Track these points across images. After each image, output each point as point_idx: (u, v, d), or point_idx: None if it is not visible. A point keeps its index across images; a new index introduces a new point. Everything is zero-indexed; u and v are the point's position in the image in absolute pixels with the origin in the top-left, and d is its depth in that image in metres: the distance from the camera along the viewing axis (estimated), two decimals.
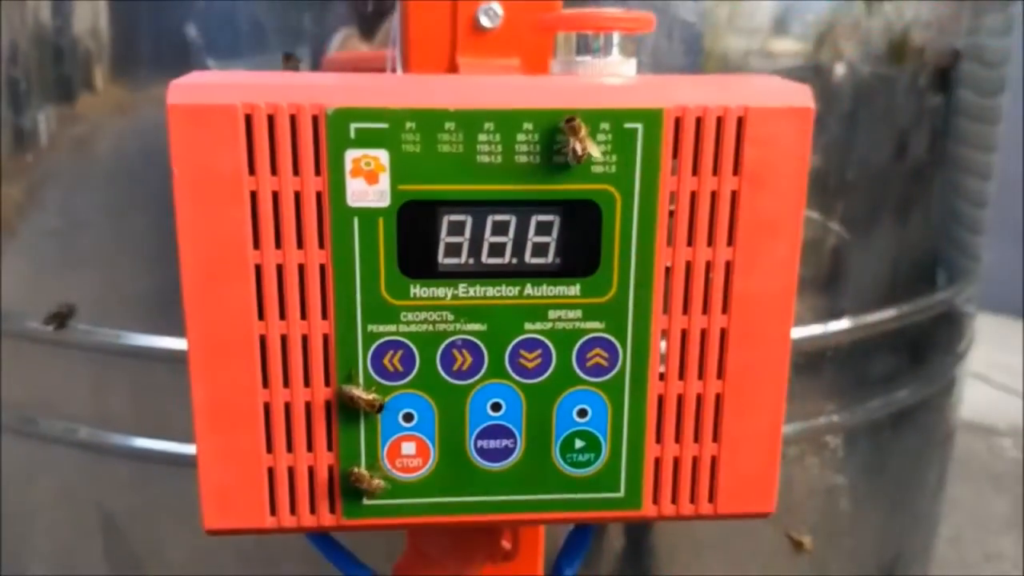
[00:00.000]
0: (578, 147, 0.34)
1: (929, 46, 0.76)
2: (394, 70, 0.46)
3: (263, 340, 0.35)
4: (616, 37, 0.38)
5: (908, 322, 0.87)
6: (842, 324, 0.79)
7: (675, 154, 0.35)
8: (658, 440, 0.38)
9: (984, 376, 3.87)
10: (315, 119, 0.33)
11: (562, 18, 0.39)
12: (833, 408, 0.82)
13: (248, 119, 0.33)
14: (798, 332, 0.74)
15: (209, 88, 0.34)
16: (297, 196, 0.34)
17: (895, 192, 0.80)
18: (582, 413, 0.38)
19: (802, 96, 0.36)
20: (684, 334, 0.37)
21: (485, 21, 0.45)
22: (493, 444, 0.37)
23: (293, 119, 0.33)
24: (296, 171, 0.34)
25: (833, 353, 0.79)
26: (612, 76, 0.39)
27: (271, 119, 0.33)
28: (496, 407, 0.37)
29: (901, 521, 0.95)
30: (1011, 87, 1.04)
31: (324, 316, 0.35)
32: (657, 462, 0.38)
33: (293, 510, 0.37)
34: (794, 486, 0.80)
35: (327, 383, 0.36)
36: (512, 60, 0.46)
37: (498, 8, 0.45)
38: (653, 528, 0.77)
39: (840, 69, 0.72)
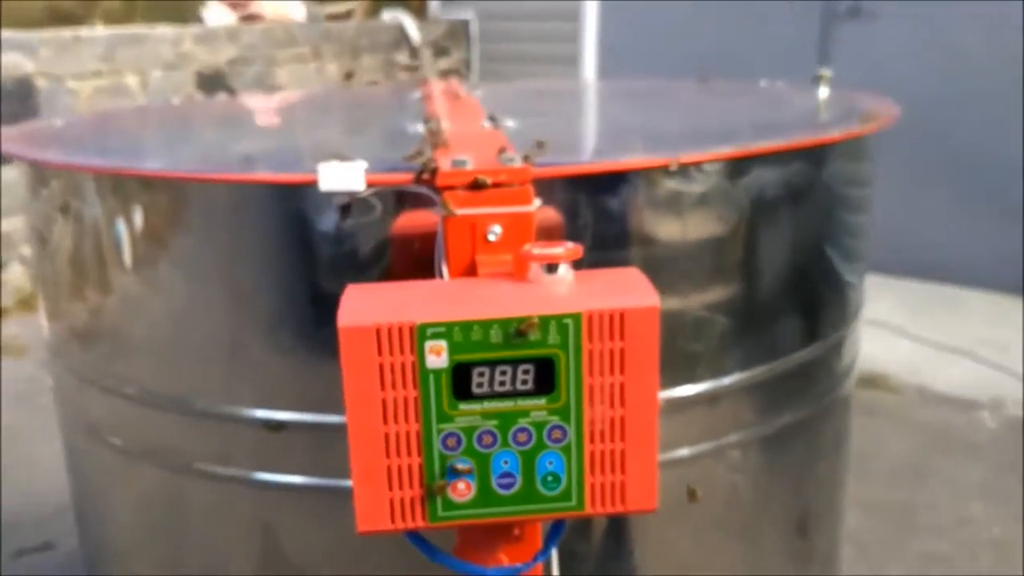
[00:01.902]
0: (531, 333, 0.70)
1: None
2: (441, 274, 0.83)
3: (387, 435, 0.72)
4: (562, 266, 0.75)
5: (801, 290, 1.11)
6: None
7: (590, 335, 0.72)
8: (591, 473, 0.75)
9: (970, 352, 4.21)
10: (412, 328, 0.70)
11: (530, 255, 0.75)
12: (736, 367, 1.06)
13: (377, 331, 0.70)
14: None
15: (358, 314, 0.71)
16: (403, 365, 0.71)
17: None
18: (551, 463, 0.74)
19: (650, 296, 0.72)
20: (600, 420, 0.74)
21: (491, 236, 0.82)
22: (505, 481, 0.74)
23: (400, 330, 0.70)
24: (403, 352, 0.71)
25: (735, 318, 1.05)
26: (561, 285, 0.75)
27: (390, 330, 0.70)
28: (505, 463, 0.74)
29: (806, 480, 1.25)
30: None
31: (417, 421, 0.72)
32: (591, 486, 0.75)
33: (403, 519, 0.74)
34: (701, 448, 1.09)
35: (419, 454, 0.73)
36: (506, 256, 0.82)
37: (498, 229, 0.82)
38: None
39: None
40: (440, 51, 5.91)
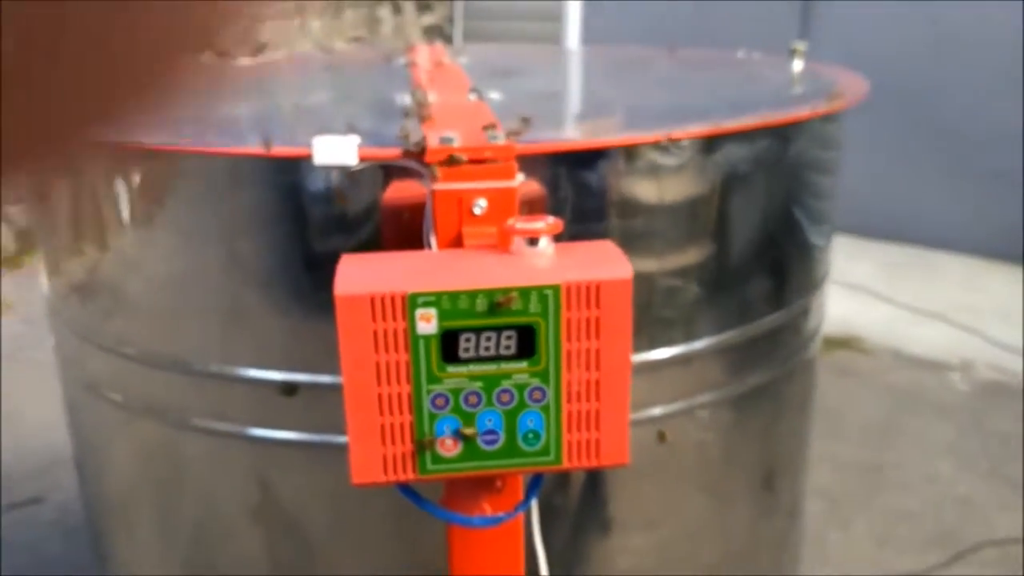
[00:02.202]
0: (512, 304, 0.76)
1: None
2: (429, 245, 0.88)
3: (379, 395, 0.78)
4: (543, 239, 0.81)
5: (770, 258, 1.18)
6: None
7: (568, 305, 0.78)
8: (568, 431, 0.81)
9: (943, 315, 4.31)
10: (404, 297, 0.76)
11: (513, 229, 0.81)
12: (708, 331, 1.13)
13: (371, 300, 0.76)
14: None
15: (354, 283, 0.76)
16: (395, 331, 0.77)
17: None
18: (531, 422, 0.81)
19: (624, 269, 0.78)
20: (577, 382, 0.80)
21: (477, 210, 0.88)
22: (489, 438, 0.81)
23: (392, 299, 0.76)
24: (396, 319, 0.77)
25: (707, 285, 1.11)
26: (542, 257, 0.81)
27: (383, 299, 0.76)
28: (489, 421, 0.80)
29: (771, 438, 1.33)
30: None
31: (408, 383, 0.78)
32: (568, 442, 0.82)
33: (395, 472, 0.80)
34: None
35: (411, 412, 0.79)
36: (491, 228, 0.88)
37: (483, 203, 0.88)
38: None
39: None
40: (423, 7, 5.91)
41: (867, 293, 4.56)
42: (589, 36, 5.89)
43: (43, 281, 1.29)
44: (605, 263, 0.80)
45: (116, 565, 1.38)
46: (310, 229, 1.00)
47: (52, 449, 3.24)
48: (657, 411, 1.13)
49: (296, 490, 1.11)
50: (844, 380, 3.71)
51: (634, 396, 1.08)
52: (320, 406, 1.02)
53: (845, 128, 1.29)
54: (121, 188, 1.07)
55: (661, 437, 1.09)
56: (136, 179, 1.05)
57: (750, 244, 1.15)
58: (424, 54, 1.63)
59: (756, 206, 1.13)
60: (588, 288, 0.78)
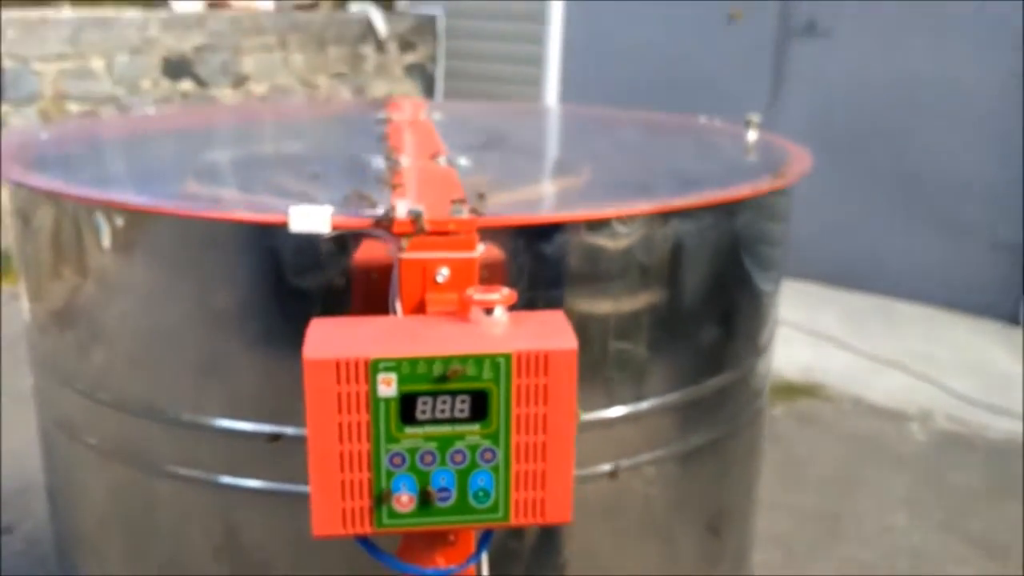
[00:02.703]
0: (458, 377, 0.83)
1: None
2: (395, 310, 0.95)
3: (341, 453, 0.84)
4: (498, 309, 0.87)
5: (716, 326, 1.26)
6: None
7: (518, 372, 0.84)
8: (516, 490, 0.88)
9: (902, 364, 4.41)
10: (367, 363, 0.82)
11: (471, 300, 0.88)
12: (657, 391, 1.21)
13: (337, 364, 0.82)
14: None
15: (321, 348, 0.83)
16: (358, 393, 0.83)
17: None
18: (482, 480, 0.87)
19: (570, 340, 0.85)
20: (526, 445, 0.87)
21: (440, 278, 0.94)
22: (443, 495, 0.87)
23: (356, 364, 0.82)
24: (358, 382, 0.83)
25: (655, 350, 1.20)
26: (496, 326, 0.88)
27: (348, 364, 0.82)
28: (442, 479, 0.87)
29: (718, 484, 1.40)
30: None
31: (368, 441, 0.85)
32: (516, 500, 0.88)
33: (353, 525, 0.86)
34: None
35: (369, 470, 0.85)
36: (452, 295, 0.94)
37: (446, 271, 0.94)
38: None
39: None
40: (406, 45, 6.01)
41: (830, 341, 4.66)
42: (569, 77, 6.01)
43: (24, 315, 1.34)
44: (554, 334, 0.87)
45: None
46: (282, 288, 1.06)
47: (23, 476, 3.26)
48: (607, 467, 1.19)
49: (261, 535, 1.16)
50: (806, 428, 3.79)
51: (587, 451, 1.15)
52: (284, 456, 1.08)
53: (792, 200, 1.38)
54: (100, 240, 1.13)
55: (612, 475, 1.16)
56: (114, 234, 1.11)
57: (698, 309, 1.22)
58: (402, 111, 1.71)
59: (704, 274, 1.20)
60: (538, 357, 0.85)
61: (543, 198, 1.26)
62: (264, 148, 1.73)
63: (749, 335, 1.34)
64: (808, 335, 4.84)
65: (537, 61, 5.87)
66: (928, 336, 4.85)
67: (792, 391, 4.16)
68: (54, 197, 1.15)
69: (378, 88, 5.73)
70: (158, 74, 4.96)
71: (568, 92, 5.98)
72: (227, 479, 1.13)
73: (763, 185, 1.21)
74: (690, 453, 1.30)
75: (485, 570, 1.03)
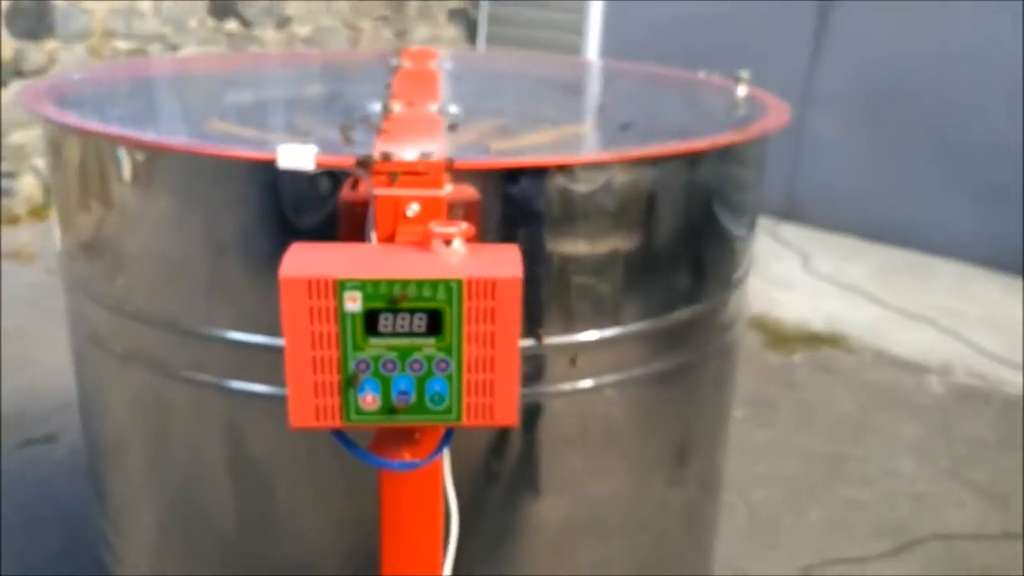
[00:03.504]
0: (404, 301, 0.98)
1: None
2: (370, 239, 1.09)
3: (314, 358, 1.00)
4: (456, 241, 1.01)
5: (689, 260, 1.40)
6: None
7: (469, 295, 0.99)
8: (468, 395, 1.03)
9: (930, 319, 4.47)
10: (334, 282, 0.97)
11: (432, 232, 1.02)
12: (636, 317, 1.35)
13: (308, 283, 0.97)
14: None
15: (296, 268, 0.97)
16: (327, 308, 0.98)
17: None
18: (437, 387, 1.02)
19: (517, 270, 0.99)
20: (476, 357, 1.01)
21: (410, 213, 1.09)
22: (402, 398, 1.02)
23: (325, 283, 0.97)
24: (327, 298, 0.98)
25: (630, 280, 1.33)
26: (454, 256, 1.02)
27: (318, 283, 0.97)
28: (403, 384, 1.02)
29: (686, 416, 1.54)
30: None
31: (337, 349, 1.00)
32: (467, 404, 1.03)
33: (325, 419, 1.02)
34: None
35: (339, 373, 1.00)
36: (420, 229, 1.09)
37: (416, 207, 1.08)
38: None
39: None
40: None
41: (859, 294, 4.73)
42: (611, 24, 6.06)
43: (56, 238, 1.52)
44: (503, 264, 1.01)
45: (112, 503, 1.61)
46: (281, 219, 1.22)
47: (63, 393, 3.50)
48: (586, 384, 1.34)
49: (264, 434, 1.33)
50: (825, 376, 3.90)
51: (559, 372, 1.30)
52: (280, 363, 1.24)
53: (764, 152, 1.49)
54: (121, 174, 1.29)
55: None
56: (134, 168, 1.27)
57: (668, 248, 1.35)
58: (413, 59, 1.84)
59: (673, 216, 1.33)
60: (486, 283, 0.99)
61: (523, 147, 1.39)
62: (286, 92, 1.87)
63: (719, 272, 1.47)
64: (838, 287, 4.91)
65: (579, 9, 5.93)
66: (958, 292, 4.89)
67: (815, 340, 4.26)
68: (80, 133, 1.31)
69: (420, 32, 5.84)
70: (204, 14, 5.12)
71: (609, 38, 6.04)
72: (234, 383, 1.29)
73: (723, 138, 1.33)
74: (659, 376, 1.43)
75: (447, 467, 1.18)
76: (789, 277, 4.86)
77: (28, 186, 5.00)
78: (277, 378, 1.26)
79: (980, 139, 5.05)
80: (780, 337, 4.16)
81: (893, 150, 5.32)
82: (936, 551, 2.83)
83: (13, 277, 4.54)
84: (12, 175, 4.89)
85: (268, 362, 1.26)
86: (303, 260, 1.00)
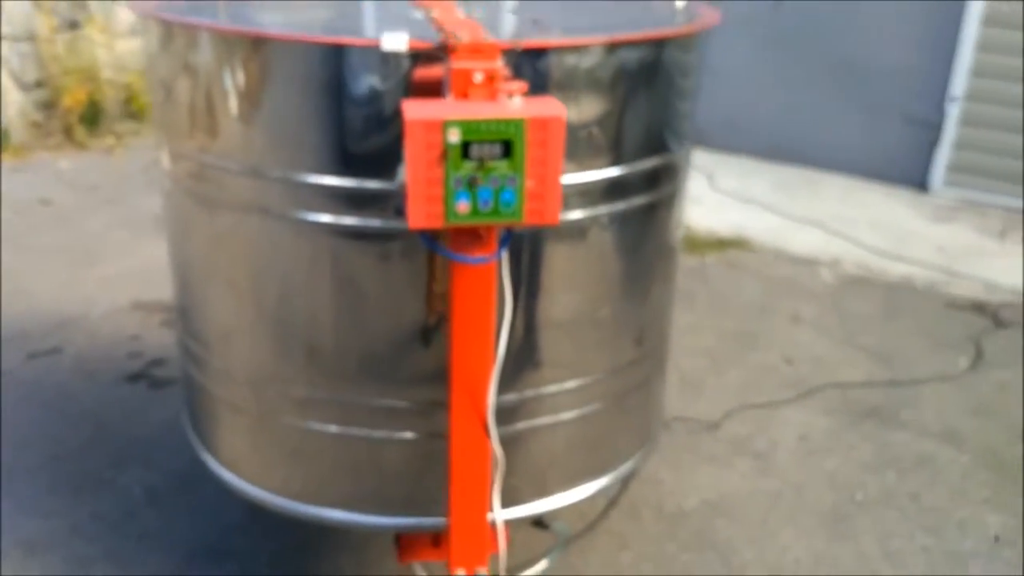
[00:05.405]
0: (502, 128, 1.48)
1: None
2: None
3: (428, 178, 1.49)
4: (516, 96, 1.52)
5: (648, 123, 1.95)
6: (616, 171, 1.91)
7: (529, 129, 1.49)
8: (528, 202, 1.54)
9: (821, 224, 5.14)
10: (442, 122, 1.47)
11: (499, 88, 1.52)
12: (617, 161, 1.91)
13: (425, 124, 1.46)
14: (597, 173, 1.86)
15: (417, 114, 1.46)
16: (438, 140, 1.47)
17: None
18: (508, 196, 1.53)
19: (562, 111, 1.50)
20: (533, 175, 1.52)
21: (477, 79, 1.58)
22: (485, 204, 1.53)
23: (436, 123, 1.46)
24: (436, 134, 1.47)
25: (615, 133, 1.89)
26: (515, 105, 1.52)
27: (431, 124, 1.46)
28: (485, 194, 1.52)
29: (655, 238, 2.10)
30: None
31: (442, 168, 1.49)
32: (527, 208, 1.54)
33: (433, 220, 1.52)
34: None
35: (442, 187, 1.50)
36: (484, 90, 1.58)
37: (480, 75, 1.58)
38: None
39: None
40: None
41: (759, 205, 5.38)
42: None
43: (159, 139, 1.95)
44: (551, 108, 1.52)
45: (206, 325, 2.07)
46: (367, 94, 1.69)
47: (61, 314, 3.86)
48: (583, 214, 1.86)
49: (354, 257, 1.81)
50: (732, 271, 4.53)
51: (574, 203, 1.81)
52: (371, 203, 1.73)
53: (702, 46, 2.03)
54: (226, 63, 1.74)
55: (576, 223, 1.83)
56: (238, 57, 1.73)
57: (637, 109, 1.88)
58: None
59: (638, 86, 1.86)
60: (541, 121, 1.50)
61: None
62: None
63: (675, 132, 2.01)
64: (741, 201, 5.55)
65: None
66: (846, 201, 5.59)
67: (723, 244, 4.88)
68: (188, 28, 1.76)
69: None
70: None
71: None
72: (324, 218, 1.77)
73: (682, 28, 1.87)
74: (636, 210, 1.97)
75: (505, 264, 1.69)
76: (697, 194, 5.48)
77: None
78: (367, 213, 1.75)
79: (871, 63, 5.74)
80: (693, 243, 4.77)
81: (792, 76, 5.98)
82: (833, 396, 3.48)
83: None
84: None
85: (355, 201, 1.75)
86: (418, 110, 1.50)
